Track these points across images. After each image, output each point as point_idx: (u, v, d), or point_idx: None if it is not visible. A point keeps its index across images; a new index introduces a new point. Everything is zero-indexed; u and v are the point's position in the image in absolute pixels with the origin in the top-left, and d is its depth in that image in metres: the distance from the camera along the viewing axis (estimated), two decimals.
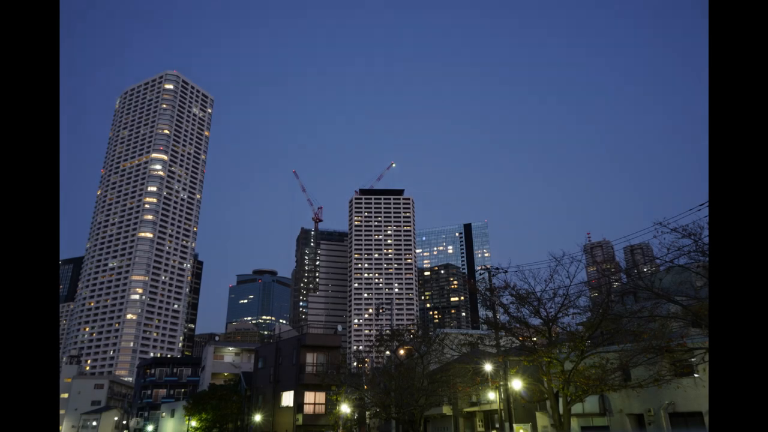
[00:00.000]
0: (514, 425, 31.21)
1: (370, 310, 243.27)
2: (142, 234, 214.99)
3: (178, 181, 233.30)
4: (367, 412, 41.39)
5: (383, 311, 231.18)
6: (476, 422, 43.50)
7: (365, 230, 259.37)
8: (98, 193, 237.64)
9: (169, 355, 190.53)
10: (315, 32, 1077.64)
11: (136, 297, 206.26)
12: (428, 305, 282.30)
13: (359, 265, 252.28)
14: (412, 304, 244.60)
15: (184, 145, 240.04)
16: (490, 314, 29.69)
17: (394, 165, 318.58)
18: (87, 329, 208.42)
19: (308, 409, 45.45)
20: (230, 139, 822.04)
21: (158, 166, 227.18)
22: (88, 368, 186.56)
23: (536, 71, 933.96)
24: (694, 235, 17.19)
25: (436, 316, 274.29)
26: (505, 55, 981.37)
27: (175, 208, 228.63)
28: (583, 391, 23.79)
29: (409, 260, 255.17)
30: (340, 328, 67.47)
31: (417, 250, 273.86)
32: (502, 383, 27.89)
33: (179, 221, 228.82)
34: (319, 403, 45.75)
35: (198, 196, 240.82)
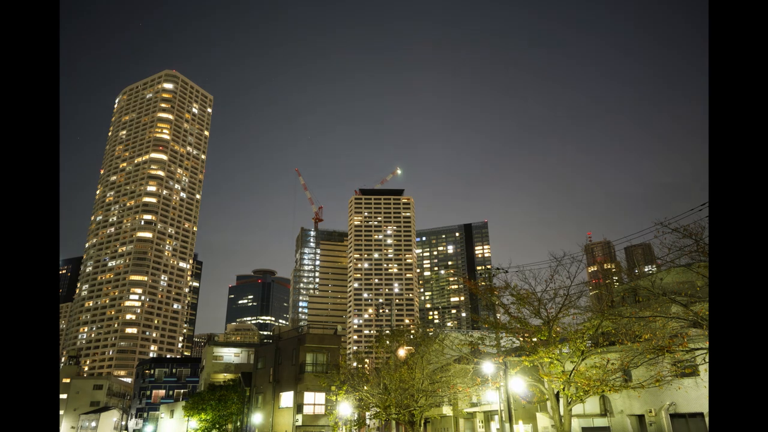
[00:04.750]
0: (515, 426, 31.19)
1: (370, 310, 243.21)
2: (142, 234, 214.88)
3: (178, 181, 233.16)
4: (367, 413, 41.38)
5: (383, 311, 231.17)
6: (476, 423, 43.50)
7: (365, 230, 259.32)
8: (97, 192, 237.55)
9: (168, 356, 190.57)
10: (316, 32, 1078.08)
11: (135, 297, 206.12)
12: (428, 305, 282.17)
13: (359, 265, 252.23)
14: (412, 304, 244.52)
15: (183, 145, 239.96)
16: (489, 314, 29.67)
17: (399, 171, 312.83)
18: (86, 329, 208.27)
19: (308, 410, 45.43)
20: (230, 139, 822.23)
21: (157, 166, 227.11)
22: (87, 368, 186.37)
23: (536, 72, 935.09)
24: (695, 235, 17.17)
25: (436, 317, 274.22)
26: (506, 54, 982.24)
27: (174, 208, 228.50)
28: (584, 392, 23.76)
29: (409, 260, 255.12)
30: (339, 328, 67.44)
31: (417, 250, 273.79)
32: (502, 384, 27.86)
33: (179, 221, 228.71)
34: (318, 404, 45.73)
35: (198, 196, 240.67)
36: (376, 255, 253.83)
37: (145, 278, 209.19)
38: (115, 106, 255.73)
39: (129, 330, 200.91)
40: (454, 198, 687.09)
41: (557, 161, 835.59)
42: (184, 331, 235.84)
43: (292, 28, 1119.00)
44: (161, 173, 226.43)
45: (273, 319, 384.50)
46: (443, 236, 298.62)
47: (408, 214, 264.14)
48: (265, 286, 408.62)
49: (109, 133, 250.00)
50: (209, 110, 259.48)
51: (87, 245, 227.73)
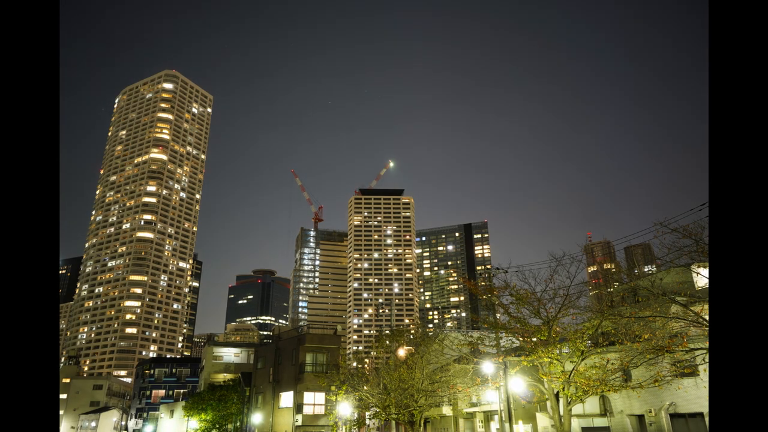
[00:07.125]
0: (515, 426, 31.19)
1: (370, 310, 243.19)
2: (142, 234, 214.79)
3: (178, 180, 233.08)
4: (366, 413, 41.38)
5: (383, 311, 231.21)
6: (476, 423, 43.49)
7: (365, 230, 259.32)
8: (97, 192, 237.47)
9: (168, 356, 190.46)
10: (316, 33, 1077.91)
11: (135, 297, 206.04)
12: (428, 305, 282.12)
13: (359, 265, 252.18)
14: (412, 304, 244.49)
15: (183, 145, 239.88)
16: (489, 314, 29.66)
17: (391, 164, 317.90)
18: (86, 329, 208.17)
19: (308, 410, 45.42)
20: (230, 139, 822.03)
21: (157, 166, 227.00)
22: (86, 368, 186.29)
23: (536, 72, 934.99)
24: (694, 235, 17.17)
25: (436, 317, 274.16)
26: (505, 55, 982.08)
27: (174, 208, 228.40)
28: (584, 392, 23.75)
29: (409, 260, 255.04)
30: (339, 328, 67.45)
31: (417, 250, 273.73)
32: (502, 384, 27.86)
33: (179, 221, 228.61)
34: (318, 404, 45.72)
35: (197, 196, 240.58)
36: (375, 255, 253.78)
37: (145, 278, 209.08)
38: (115, 106, 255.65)
39: (129, 330, 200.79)
40: (454, 198, 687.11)
41: (557, 161, 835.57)
42: (184, 331, 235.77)
43: (291, 28, 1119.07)
44: (161, 173, 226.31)
45: (273, 319, 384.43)
46: (443, 236, 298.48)
47: (408, 214, 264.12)
48: (265, 286, 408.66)
49: (109, 133, 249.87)
50: (209, 110, 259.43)
51: (87, 245, 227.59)
